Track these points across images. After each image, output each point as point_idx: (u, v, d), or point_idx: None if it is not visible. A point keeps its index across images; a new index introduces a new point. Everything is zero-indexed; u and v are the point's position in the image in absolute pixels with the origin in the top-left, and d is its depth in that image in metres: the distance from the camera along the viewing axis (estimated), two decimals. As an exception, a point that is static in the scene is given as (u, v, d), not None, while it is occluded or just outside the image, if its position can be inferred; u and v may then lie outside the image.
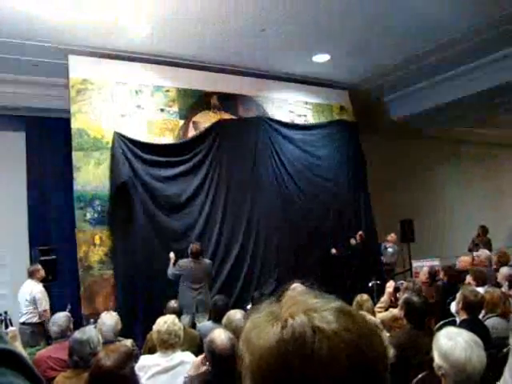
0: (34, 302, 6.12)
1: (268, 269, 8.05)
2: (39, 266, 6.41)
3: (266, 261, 8.08)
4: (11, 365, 0.67)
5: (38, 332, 6.01)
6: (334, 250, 8.55)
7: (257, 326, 0.72)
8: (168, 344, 3.50)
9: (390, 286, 5.30)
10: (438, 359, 2.30)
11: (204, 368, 2.93)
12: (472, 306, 3.79)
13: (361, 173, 9.54)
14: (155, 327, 3.62)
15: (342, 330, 0.66)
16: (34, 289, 6.19)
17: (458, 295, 3.93)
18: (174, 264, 6.73)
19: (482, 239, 10.21)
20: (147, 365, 3.43)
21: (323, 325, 0.66)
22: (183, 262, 6.73)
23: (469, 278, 5.34)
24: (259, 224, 8.12)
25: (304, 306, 0.70)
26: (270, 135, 8.55)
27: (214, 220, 7.68)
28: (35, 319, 6.12)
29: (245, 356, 0.72)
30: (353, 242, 8.56)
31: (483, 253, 6.89)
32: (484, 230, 10.53)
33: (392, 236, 9.38)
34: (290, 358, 0.64)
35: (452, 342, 2.28)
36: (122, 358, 2.57)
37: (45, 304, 6.17)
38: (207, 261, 6.97)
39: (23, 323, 6.04)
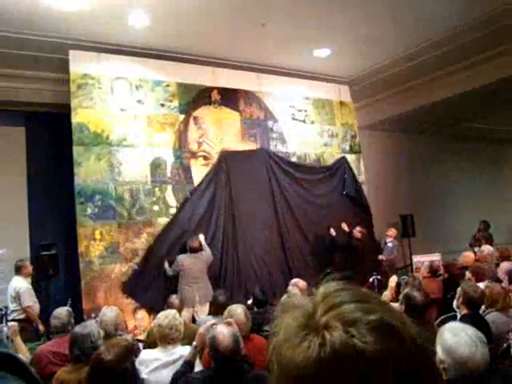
0: (18, 298, 6.06)
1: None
2: (27, 262, 6.35)
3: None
4: (11, 368, 0.66)
5: (26, 329, 5.77)
6: (332, 231, 8.64)
7: (290, 337, 0.64)
8: (169, 339, 3.50)
9: (393, 280, 5.31)
10: (441, 354, 2.30)
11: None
12: (472, 301, 3.79)
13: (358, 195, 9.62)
14: (156, 322, 3.63)
15: (385, 351, 0.58)
16: (19, 285, 6.12)
17: (459, 290, 3.93)
18: (170, 264, 6.88)
19: (484, 234, 10.20)
20: (148, 359, 3.43)
21: (365, 347, 0.58)
22: (181, 257, 6.82)
23: (468, 275, 5.36)
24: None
25: (341, 315, 0.62)
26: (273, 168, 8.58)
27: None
28: (22, 316, 6.04)
29: (274, 367, 0.65)
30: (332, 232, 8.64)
31: (486, 248, 6.89)
32: (485, 226, 10.52)
33: (392, 231, 9.39)
34: (330, 379, 0.58)
35: (456, 338, 2.28)
36: (123, 352, 2.58)
37: (28, 300, 6.08)
38: (205, 253, 7.01)
39: (12, 320, 5.85)
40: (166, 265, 6.92)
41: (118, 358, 2.53)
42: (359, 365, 0.57)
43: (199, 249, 6.91)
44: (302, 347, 0.61)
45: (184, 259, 6.86)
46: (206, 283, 6.81)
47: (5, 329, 3.72)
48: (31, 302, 6.13)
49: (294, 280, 6.42)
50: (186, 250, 7.00)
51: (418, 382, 0.60)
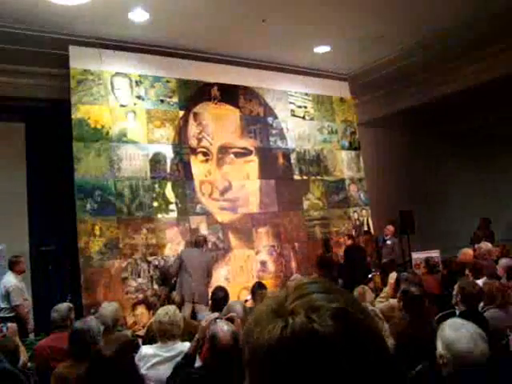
0: (7, 296, 5.91)
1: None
2: (21, 259, 6.19)
3: None
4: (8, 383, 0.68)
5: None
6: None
7: (259, 321, 0.70)
8: (169, 334, 3.51)
9: (393, 277, 5.34)
10: (441, 348, 2.31)
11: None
12: (470, 298, 3.80)
13: None
14: (156, 318, 3.63)
15: (339, 334, 0.64)
16: (8, 282, 5.96)
17: (456, 287, 3.94)
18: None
19: (484, 232, 10.19)
20: (147, 355, 3.44)
21: (321, 329, 0.64)
22: (185, 250, 6.89)
23: (467, 271, 5.37)
24: None
25: (307, 303, 0.68)
26: None
27: None
28: (12, 314, 5.87)
29: (245, 349, 0.72)
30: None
31: (484, 245, 6.89)
32: (486, 223, 10.50)
33: (390, 227, 9.40)
34: (288, 358, 0.64)
35: (457, 333, 2.29)
36: (122, 347, 2.59)
37: (16, 299, 5.90)
38: (209, 253, 7.04)
39: (1, 318, 5.75)
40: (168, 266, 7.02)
41: (118, 353, 2.54)
42: (313, 345, 0.63)
43: (202, 244, 6.97)
44: (268, 329, 0.67)
45: (187, 251, 6.93)
46: (204, 283, 6.76)
47: (4, 329, 3.73)
48: (20, 300, 5.95)
49: (294, 276, 6.46)
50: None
51: (366, 363, 0.65)
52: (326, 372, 0.63)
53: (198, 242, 6.98)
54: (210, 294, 5.63)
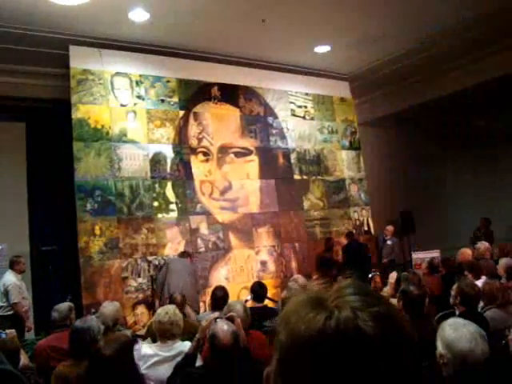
0: (6, 294, 5.99)
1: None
2: (21, 259, 6.28)
3: None
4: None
5: (15, 325, 5.47)
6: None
7: (300, 309, 0.71)
8: (169, 334, 3.51)
9: (392, 277, 5.34)
10: (441, 348, 2.31)
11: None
12: (469, 299, 3.80)
13: None
14: (156, 318, 3.63)
15: (381, 336, 0.66)
16: (8, 281, 6.05)
17: (455, 288, 3.94)
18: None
19: (484, 231, 10.19)
20: (147, 354, 3.44)
21: (365, 327, 0.65)
22: (171, 258, 7.01)
23: (466, 272, 5.37)
24: None
25: (352, 302, 0.69)
26: None
27: None
28: (11, 312, 5.98)
29: (281, 334, 0.72)
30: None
31: (482, 245, 6.89)
32: (486, 222, 10.50)
33: (390, 228, 9.42)
34: (328, 349, 0.64)
35: (457, 333, 2.29)
36: (122, 347, 2.58)
37: (15, 297, 5.98)
38: (194, 265, 7.17)
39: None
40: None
41: (118, 352, 2.54)
42: (357, 341, 0.65)
43: (187, 257, 6.99)
44: (309, 316, 0.68)
45: (172, 259, 6.96)
46: (192, 287, 6.67)
47: (3, 335, 3.73)
48: (18, 298, 6.02)
49: (295, 276, 6.45)
50: None
51: (400, 367, 0.66)
52: (363, 369, 0.64)
53: (183, 254, 7.01)
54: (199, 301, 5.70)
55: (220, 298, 5.03)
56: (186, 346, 3.50)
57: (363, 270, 7.52)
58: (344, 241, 9.23)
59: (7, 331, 3.66)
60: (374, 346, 0.65)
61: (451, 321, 2.45)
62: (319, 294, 0.73)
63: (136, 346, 3.47)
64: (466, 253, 6.72)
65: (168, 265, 6.72)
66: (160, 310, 3.67)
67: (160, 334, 3.54)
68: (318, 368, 0.65)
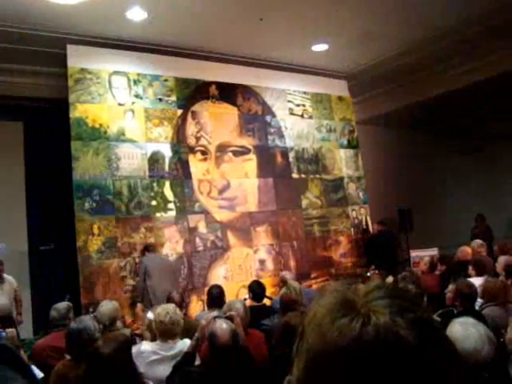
0: None
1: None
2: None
3: None
4: (6, 358, 0.67)
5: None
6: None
7: (330, 313, 0.66)
8: (171, 334, 3.51)
9: (389, 280, 5.37)
10: None
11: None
12: (466, 297, 3.81)
13: None
14: (156, 317, 3.62)
15: (423, 345, 0.61)
16: None
17: (452, 287, 3.95)
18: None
19: (481, 229, 10.22)
20: (146, 351, 3.44)
21: (407, 336, 0.60)
22: (147, 257, 6.65)
23: (470, 269, 5.39)
24: None
25: (387, 307, 0.64)
26: None
27: None
28: None
29: (308, 339, 0.66)
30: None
31: (475, 243, 6.91)
32: (482, 219, 10.54)
33: (374, 228, 9.50)
34: (365, 359, 0.60)
35: (466, 332, 2.29)
36: (120, 345, 2.58)
37: None
38: (171, 259, 7.07)
39: None
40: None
41: (116, 351, 2.54)
42: (398, 351, 0.60)
43: (153, 249, 6.79)
44: (343, 322, 0.63)
45: (148, 258, 6.64)
46: (175, 286, 6.50)
47: (3, 334, 3.73)
48: None
49: (283, 273, 6.48)
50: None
51: (446, 379, 0.62)
52: (401, 381, 0.59)
53: (148, 248, 6.78)
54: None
55: (216, 297, 5.04)
56: (186, 344, 3.50)
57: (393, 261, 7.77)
58: (342, 239, 9.26)
59: (7, 330, 3.66)
60: (416, 357, 0.60)
61: (462, 319, 2.46)
62: (348, 296, 0.68)
63: (137, 347, 3.48)
64: (466, 250, 6.74)
65: (146, 266, 6.47)
66: (159, 310, 3.67)
67: (161, 333, 3.53)
68: (352, 378, 0.60)
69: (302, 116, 9.34)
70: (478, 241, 7.03)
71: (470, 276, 5.21)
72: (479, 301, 4.38)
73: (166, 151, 7.56)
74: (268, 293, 6.19)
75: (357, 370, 0.60)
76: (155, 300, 5.99)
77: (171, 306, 3.73)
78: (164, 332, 3.50)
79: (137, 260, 6.97)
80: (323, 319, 0.66)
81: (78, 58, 7.01)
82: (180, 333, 3.58)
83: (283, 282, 6.07)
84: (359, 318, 0.62)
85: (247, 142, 8.48)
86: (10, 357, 0.69)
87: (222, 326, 2.90)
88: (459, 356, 0.68)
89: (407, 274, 5.30)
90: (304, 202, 9.00)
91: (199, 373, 2.91)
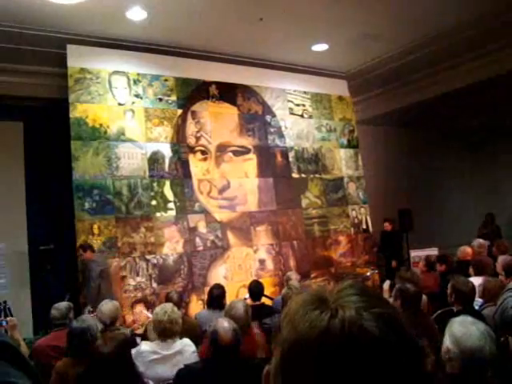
0: None
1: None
2: None
3: None
4: (7, 356, 0.67)
5: None
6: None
7: (303, 307, 0.71)
8: (170, 332, 3.51)
9: (386, 285, 5.38)
10: (448, 343, 2.31)
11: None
12: (464, 297, 3.81)
13: None
14: (154, 317, 3.63)
15: (385, 338, 0.66)
16: None
17: (449, 286, 3.95)
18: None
19: (492, 228, 10.26)
20: (145, 351, 3.44)
21: (371, 327, 0.66)
22: (88, 260, 6.42)
23: (471, 269, 5.41)
24: None
25: (354, 302, 0.69)
26: None
27: None
28: None
29: (284, 330, 0.72)
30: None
31: (477, 242, 6.92)
32: (491, 218, 10.58)
33: (386, 225, 9.50)
34: (332, 349, 0.65)
35: (467, 330, 2.30)
36: (121, 345, 2.59)
37: None
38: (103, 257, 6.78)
39: None
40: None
41: (116, 350, 2.54)
42: (361, 341, 0.65)
43: (85, 249, 6.47)
44: (313, 315, 0.69)
45: (89, 260, 6.44)
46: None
47: (3, 323, 3.75)
48: None
49: (289, 273, 6.48)
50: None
51: (403, 371, 0.66)
52: (366, 369, 0.63)
53: (83, 249, 6.50)
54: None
55: (216, 297, 5.05)
56: (185, 343, 3.50)
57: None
58: (342, 239, 9.27)
59: (8, 319, 3.67)
60: (378, 347, 0.65)
61: (461, 318, 2.47)
62: (321, 293, 0.73)
63: (137, 347, 3.48)
64: (466, 251, 6.75)
65: (93, 270, 6.29)
66: (158, 309, 3.68)
67: (159, 332, 3.54)
68: (320, 366, 0.65)
69: (302, 116, 9.34)
70: (480, 240, 7.03)
71: (470, 276, 5.21)
72: (479, 300, 4.39)
73: (166, 151, 7.56)
74: (268, 293, 6.20)
75: (325, 359, 0.65)
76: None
77: (169, 305, 3.74)
78: (163, 331, 3.51)
79: (137, 260, 6.98)
80: (297, 313, 0.71)
81: (78, 58, 7.02)
82: (179, 332, 3.58)
83: (287, 282, 6.08)
84: (328, 312, 0.68)
85: (247, 141, 8.49)
86: (11, 354, 0.70)
87: (224, 325, 2.90)
88: (421, 348, 0.74)
89: (402, 272, 5.31)
90: (304, 202, 9.00)
91: (201, 371, 2.92)
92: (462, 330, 2.31)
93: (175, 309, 3.68)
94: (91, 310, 5.28)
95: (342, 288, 0.73)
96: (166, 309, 3.62)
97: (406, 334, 0.70)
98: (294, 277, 6.08)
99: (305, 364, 0.66)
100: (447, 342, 2.33)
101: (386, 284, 5.42)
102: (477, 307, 4.21)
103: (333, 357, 0.64)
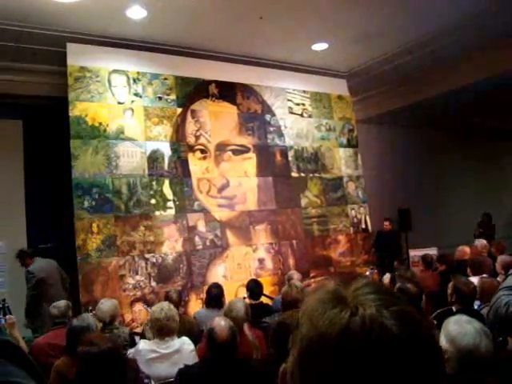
0: None
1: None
2: None
3: None
4: (9, 355, 0.67)
5: None
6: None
7: (322, 306, 0.72)
8: (168, 330, 3.51)
9: (387, 278, 5.38)
10: (444, 343, 2.31)
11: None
12: (464, 297, 3.81)
13: None
14: (152, 315, 3.63)
15: (405, 334, 0.66)
16: None
17: (451, 286, 3.95)
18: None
19: (488, 227, 10.28)
20: (144, 350, 3.44)
21: (391, 325, 0.66)
22: (34, 265, 6.32)
23: (468, 270, 5.41)
24: None
25: (373, 300, 0.70)
26: None
27: None
28: None
29: (302, 327, 0.73)
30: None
31: (479, 243, 6.93)
32: (488, 218, 10.59)
33: (386, 224, 9.50)
34: (352, 346, 0.65)
35: (462, 328, 2.30)
36: (117, 343, 2.59)
37: None
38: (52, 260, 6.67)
39: None
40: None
41: (114, 347, 2.54)
42: (382, 339, 0.65)
43: (23, 254, 6.39)
44: (333, 312, 0.69)
45: (35, 266, 6.31)
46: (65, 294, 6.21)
47: (2, 321, 3.75)
48: None
49: (291, 272, 6.47)
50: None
51: (424, 368, 0.67)
52: (386, 367, 0.64)
53: (23, 253, 6.44)
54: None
55: (215, 296, 5.05)
56: (184, 342, 3.50)
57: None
58: (341, 238, 9.28)
59: (7, 317, 3.67)
60: (398, 345, 0.65)
61: (456, 317, 2.46)
62: (340, 291, 0.74)
63: (135, 347, 3.48)
64: (464, 250, 6.76)
65: (28, 282, 6.10)
66: (155, 308, 3.69)
67: (157, 330, 3.54)
68: (340, 363, 0.65)
69: (301, 115, 9.34)
70: (483, 241, 7.05)
71: (468, 276, 5.22)
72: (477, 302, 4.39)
73: (166, 150, 7.56)
74: (267, 292, 6.19)
75: (345, 356, 0.65)
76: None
77: (165, 303, 3.74)
78: (161, 329, 3.51)
79: (136, 259, 6.98)
80: (316, 310, 0.72)
81: (77, 57, 7.01)
82: (177, 329, 3.58)
83: (289, 281, 6.09)
84: (348, 310, 0.68)
85: (247, 140, 8.48)
86: (12, 353, 0.70)
87: (221, 323, 2.90)
88: (440, 347, 0.74)
89: (402, 272, 5.31)
90: (303, 201, 9.00)
91: (198, 370, 2.92)
92: (458, 329, 2.31)
93: (172, 306, 3.69)
94: (90, 308, 5.29)
95: (358, 287, 0.74)
96: (162, 307, 3.63)
97: (425, 333, 0.70)
98: (295, 276, 6.07)
99: (324, 361, 0.67)
100: (443, 342, 2.33)
101: (387, 277, 5.43)
102: (476, 307, 4.21)
103: (353, 354, 0.65)
